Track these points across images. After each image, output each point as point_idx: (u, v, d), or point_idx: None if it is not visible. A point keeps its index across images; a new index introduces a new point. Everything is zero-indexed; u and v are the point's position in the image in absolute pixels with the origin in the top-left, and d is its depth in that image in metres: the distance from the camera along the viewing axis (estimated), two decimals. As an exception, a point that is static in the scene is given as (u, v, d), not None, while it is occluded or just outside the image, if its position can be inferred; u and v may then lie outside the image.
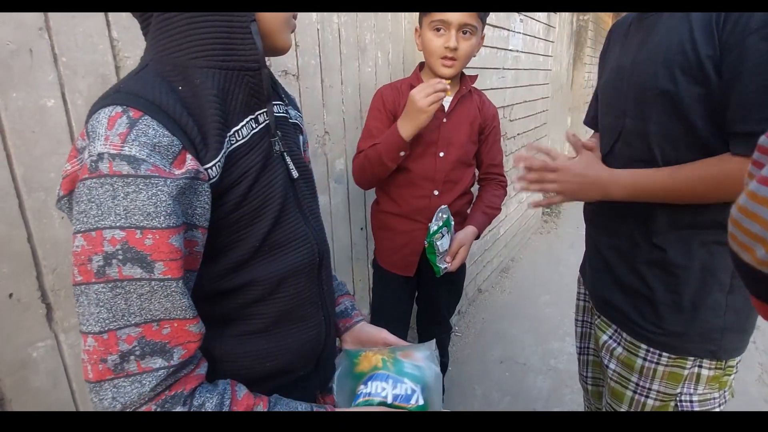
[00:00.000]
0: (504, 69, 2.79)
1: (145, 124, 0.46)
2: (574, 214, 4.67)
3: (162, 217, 0.46)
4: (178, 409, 0.48)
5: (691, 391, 0.89)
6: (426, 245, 1.33)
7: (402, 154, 1.26)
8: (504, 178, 1.55)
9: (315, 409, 0.58)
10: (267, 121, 0.60)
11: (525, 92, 3.29)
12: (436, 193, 1.37)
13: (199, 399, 0.50)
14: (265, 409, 0.54)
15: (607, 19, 7.44)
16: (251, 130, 0.58)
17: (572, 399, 2.03)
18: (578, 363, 1.25)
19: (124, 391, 0.46)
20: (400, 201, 1.39)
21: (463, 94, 1.39)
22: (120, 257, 0.45)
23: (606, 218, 0.99)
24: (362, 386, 0.66)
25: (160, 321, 0.47)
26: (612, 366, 0.99)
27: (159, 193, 0.45)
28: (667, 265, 0.87)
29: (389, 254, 1.46)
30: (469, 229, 1.40)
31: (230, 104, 0.55)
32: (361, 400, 0.64)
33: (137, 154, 0.45)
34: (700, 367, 0.88)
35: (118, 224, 0.44)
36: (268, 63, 0.68)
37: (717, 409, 0.91)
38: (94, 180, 0.45)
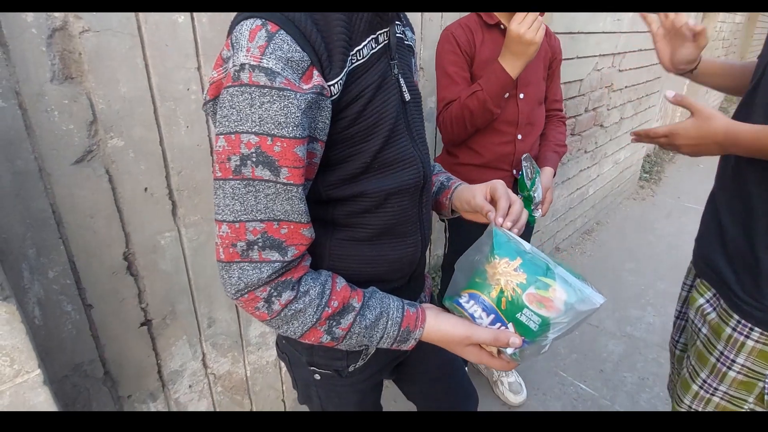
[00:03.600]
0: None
1: (281, 39, 0.50)
2: (675, 183, 4.26)
3: (290, 128, 0.50)
4: (287, 293, 0.56)
5: None
6: (522, 197, 1.30)
7: (506, 96, 1.21)
8: (564, 114, 1.50)
9: (406, 307, 0.64)
10: (386, 42, 0.62)
11: (642, 40, 2.94)
12: (519, 137, 1.33)
13: (304, 286, 0.58)
14: (360, 303, 0.61)
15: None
16: (371, 50, 0.60)
17: (644, 367, 1.96)
18: (673, 326, 1.21)
19: (247, 274, 0.54)
20: (483, 150, 1.33)
21: None
22: (254, 159, 0.50)
23: (730, 178, 0.92)
24: (465, 295, 0.64)
25: (280, 221, 0.54)
26: (704, 330, 0.95)
27: (289, 105, 0.49)
28: None
29: None
30: (548, 171, 1.38)
31: (356, 24, 0.57)
32: (455, 305, 0.66)
33: (273, 67, 0.49)
34: None
35: (253, 130, 0.50)
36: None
37: None
38: (236, 88, 0.49)
